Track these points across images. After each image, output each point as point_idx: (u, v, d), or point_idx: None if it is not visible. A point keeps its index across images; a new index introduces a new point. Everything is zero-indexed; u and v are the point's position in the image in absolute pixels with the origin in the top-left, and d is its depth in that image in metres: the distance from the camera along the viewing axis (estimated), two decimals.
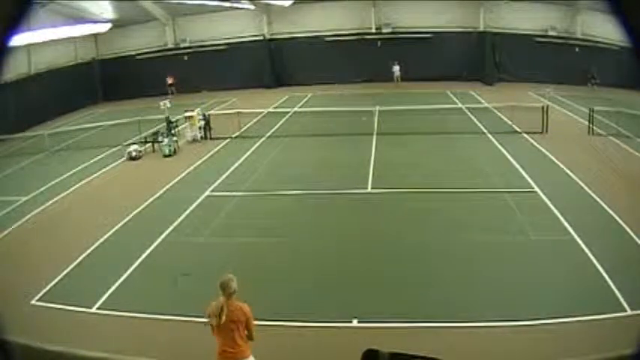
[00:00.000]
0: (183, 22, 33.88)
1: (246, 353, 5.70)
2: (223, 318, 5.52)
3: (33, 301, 9.11)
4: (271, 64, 33.74)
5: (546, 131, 18.76)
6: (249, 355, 5.74)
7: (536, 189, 13.24)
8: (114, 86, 33.36)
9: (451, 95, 27.13)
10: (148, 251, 10.90)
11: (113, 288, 9.45)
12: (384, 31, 32.54)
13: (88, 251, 11.04)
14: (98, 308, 8.81)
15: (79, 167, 17.93)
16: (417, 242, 10.73)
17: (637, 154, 15.78)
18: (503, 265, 9.61)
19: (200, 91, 32.63)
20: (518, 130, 19.25)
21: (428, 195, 13.40)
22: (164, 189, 14.93)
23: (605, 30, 24.65)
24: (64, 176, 17.00)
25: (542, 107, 19.40)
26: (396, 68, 31.28)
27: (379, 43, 32.70)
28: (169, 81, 32.67)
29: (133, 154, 18.75)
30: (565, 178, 14.16)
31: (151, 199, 14.11)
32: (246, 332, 5.67)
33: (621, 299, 8.00)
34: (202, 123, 21.01)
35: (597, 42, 26.78)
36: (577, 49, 29.15)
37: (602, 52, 25.64)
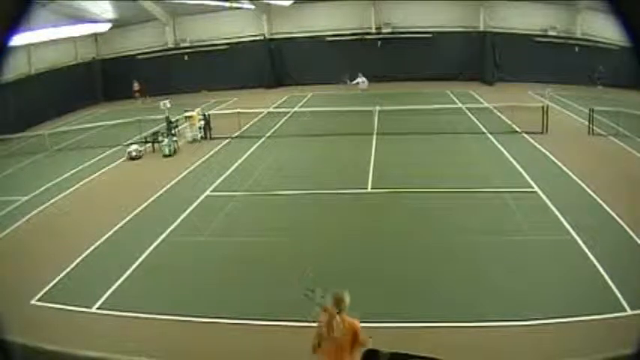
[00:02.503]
0: (183, 22, 33.89)
1: None
2: (334, 333, 5.36)
3: (33, 301, 9.11)
4: (271, 64, 33.75)
5: (546, 131, 18.76)
6: None
7: (536, 189, 13.24)
8: (114, 86, 33.36)
9: (451, 95, 27.13)
10: (148, 251, 10.90)
11: (113, 288, 9.45)
12: (384, 31, 32.55)
13: (88, 251, 11.04)
14: (98, 308, 8.81)
15: (79, 167, 17.93)
16: (417, 242, 10.73)
17: (637, 154, 15.78)
18: (503, 265, 9.60)
19: (200, 91, 32.64)
20: (518, 130, 19.25)
21: (428, 195, 13.40)
22: (164, 189, 14.93)
23: (605, 30, 24.66)
24: (64, 176, 17.00)
25: (542, 107, 19.41)
26: (362, 80, 29.71)
27: (379, 43, 32.70)
28: (135, 87, 32.44)
29: (133, 154, 18.75)
30: (565, 178, 14.16)
31: (151, 199, 14.12)
32: (359, 347, 5.36)
33: (621, 299, 8.00)
34: (202, 123, 21.02)
35: (597, 42, 26.78)
36: (577, 49, 29.15)
37: (602, 52, 25.63)
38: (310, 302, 5.61)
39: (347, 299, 5.50)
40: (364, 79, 29.73)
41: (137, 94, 32.47)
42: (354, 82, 29.73)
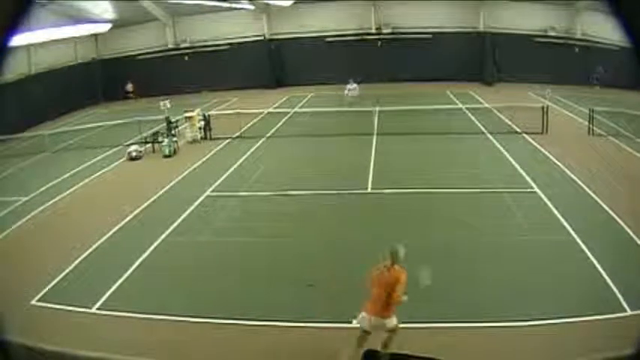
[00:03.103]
0: (183, 23, 33.89)
1: (389, 314, 6.28)
2: (384, 278, 6.22)
3: (33, 302, 9.11)
4: (271, 64, 33.76)
5: (546, 131, 18.76)
6: (392, 317, 6.31)
7: (536, 189, 13.24)
8: (114, 86, 33.36)
9: (451, 95, 27.15)
10: (148, 251, 10.90)
11: (113, 288, 9.44)
12: (384, 31, 32.56)
13: (88, 251, 11.03)
14: (98, 308, 8.81)
15: (80, 167, 17.93)
16: (417, 242, 10.68)
17: (637, 154, 15.78)
18: (502, 265, 9.59)
19: (200, 91, 32.63)
20: (518, 130, 19.25)
21: (428, 195, 13.40)
22: (164, 189, 14.93)
23: (605, 30, 24.66)
24: (65, 176, 16.99)
25: (542, 107, 19.41)
26: (353, 86, 25.58)
27: (379, 43, 32.71)
28: (129, 88, 32.41)
29: (133, 154, 18.75)
30: (565, 178, 14.16)
31: (151, 200, 14.11)
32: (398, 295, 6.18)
33: (621, 299, 8.00)
34: (202, 123, 21.02)
35: (597, 42, 26.79)
36: (577, 50, 29.17)
37: (602, 52, 25.64)
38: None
39: (401, 253, 6.32)
40: (355, 85, 25.72)
41: (131, 95, 32.51)
42: (346, 90, 25.64)
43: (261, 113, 23.92)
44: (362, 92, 25.82)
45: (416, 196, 13.43)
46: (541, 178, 14.04)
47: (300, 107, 26.21)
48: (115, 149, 19.97)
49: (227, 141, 20.38)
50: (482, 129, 19.87)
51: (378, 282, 6.30)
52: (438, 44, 31.56)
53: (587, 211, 11.80)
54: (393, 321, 6.34)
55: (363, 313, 6.38)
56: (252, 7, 31.33)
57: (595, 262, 9.28)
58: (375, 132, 19.77)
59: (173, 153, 19.02)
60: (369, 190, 14.08)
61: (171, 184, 15.42)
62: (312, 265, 10.06)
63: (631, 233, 10.32)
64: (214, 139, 20.64)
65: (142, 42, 33.81)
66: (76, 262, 10.57)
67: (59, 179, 16.70)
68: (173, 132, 19.98)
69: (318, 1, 32.18)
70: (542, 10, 30.18)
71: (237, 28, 33.51)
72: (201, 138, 20.82)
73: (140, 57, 33.83)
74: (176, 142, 19.56)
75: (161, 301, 8.95)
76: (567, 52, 29.13)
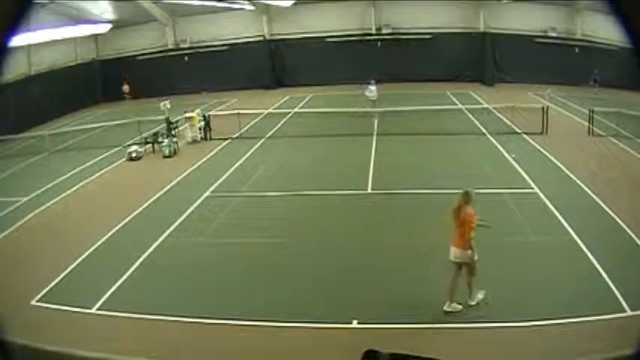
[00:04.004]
0: (183, 23, 33.89)
1: (466, 246, 7.66)
2: (460, 217, 7.68)
3: (33, 302, 9.11)
4: (271, 64, 33.77)
5: (546, 132, 18.76)
6: (467, 250, 7.65)
7: (536, 189, 13.24)
8: (114, 87, 33.36)
9: (451, 96, 27.14)
10: (148, 252, 10.90)
11: (113, 288, 9.44)
12: (384, 31, 32.56)
13: (88, 252, 11.03)
14: (98, 309, 8.81)
15: (80, 168, 17.93)
16: (417, 243, 10.71)
17: (637, 154, 15.78)
18: (502, 265, 9.58)
19: (200, 91, 32.64)
20: (518, 130, 19.25)
21: (428, 196, 13.38)
22: (164, 190, 14.92)
23: (605, 31, 24.65)
24: (65, 177, 16.99)
25: (542, 108, 19.41)
26: (373, 89, 23.95)
27: (379, 43, 32.70)
28: (126, 89, 32.50)
29: (133, 154, 18.75)
30: (565, 178, 14.16)
31: (151, 200, 14.11)
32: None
33: (621, 299, 8.00)
34: (202, 124, 21.02)
35: (597, 43, 26.78)
36: (577, 50, 29.16)
37: (602, 52, 25.63)
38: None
39: (472, 195, 7.85)
40: (374, 87, 24.11)
41: (127, 96, 32.53)
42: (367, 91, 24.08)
43: (261, 114, 23.92)
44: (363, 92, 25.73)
45: (416, 197, 13.43)
46: (541, 178, 14.03)
47: (301, 108, 26.20)
48: (115, 149, 19.97)
49: (227, 141, 20.38)
50: (483, 129, 19.87)
51: (455, 220, 7.77)
52: (438, 44, 31.55)
53: (587, 211, 11.80)
54: (468, 253, 7.67)
55: (451, 247, 7.83)
56: (252, 7, 31.32)
57: (595, 262, 9.28)
58: (375, 132, 19.77)
59: (173, 153, 19.02)
60: (369, 190, 14.07)
61: (172, 184, 15.42)
62: (312, 265, 10.06)
63: (631, 233, 10.32)
64: (214, 139, 20.64)
65: (142, 42, 33.80)
66: (76, 262, 10.57)
67: (59, 179, 16.70)
68: (173, 132, 19.98)
69: (318, 1, 32.18)
70: (543, 10, 30.18)
71: (237, 28, 33.51)
72: (202, 138, 20.83)
73: (140, 57, 33.83)
74: (176, 142, 19.55)
75: (161, 302, 8.95)
76: (567, 53, 29.11)
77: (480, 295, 8.06)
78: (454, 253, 7.82)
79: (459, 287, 7.97)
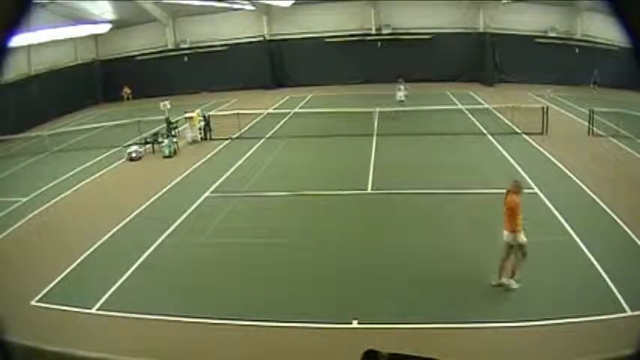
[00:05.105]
0: (183, 23, 33.91)
1: (514, 230, 8.32)
2: (506, 202, 8.44)
3: (33, 302, 9.11)
4: (271, 65, 33.78)
5: (546, 132, 18.76)
6: (517, 233, 8.34)
7: (536, 190, 13.23)
8: (114, 87, 33.38)
9: (451, 96, 27.15)
10: (148, 252, 10.90)
11: (113, 289, 9.44)
12: (383, 32, 32.57)
13: (88, 252, 11.04)
14: (98, 309, 8.81)
15: (79, 168, 17.93)
16: (417, 242, 10.72)
17: (637, 154, 15.78)
18: None
19: (200, 92, 32.64)
20: (518, 131, 19.25)
21: (428, 196, 13.39)
22: (164, 190, 14.93)
23: (606, 31, 24.66)
24: (65, 177, 17.00)
25: (542, 108, 19.41)
26: (402, 87, 23.29)
27: (379, 44, 32.71)
28: (127, 92, 32.71)
29: (133, 155, 18.75)
30: (565, 178, 14.16)
31: (151, 200, 14.11)
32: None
33: (621, 299, 8.00)
34: (202, 124, 21.03)
35: (597, 43, 26.79)
36: (577, 50, 29.16)
37: (602, 52, 25.64)
38: None
39: (520, 185, 8.67)
40: (402, 87, 23.25)
41: (127, 96, 32.62)
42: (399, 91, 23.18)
43: (261, 114, 23.92)
44: (363, 93, 25.81)
45: (416, 197, 13.43)
46: (541, 178, 14.02)
47: (300, 108, 26.21)
48: (114, 150, 19.97)
49: (227, 141, 20.38)
50: (483, 130, 19.87)
51: (504, 205, 8.46)
52: (438, 45, 31.57)
53: (587, 211, 11.80)
54: (518, 236, 8.31)
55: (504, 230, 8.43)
56: (252, 7, 31.33)
57: (595, 262, 9.28)
58: (375, 132, 19.77)
59: (173, 153, 19.02)
60: (369, 190, 14.07)
61: (172, 184, 15.42)
62: (312, 265, 10.06)
63: (631, 233, 10.33)
64: (214, 139, 20.65)
65: (142, 43, 33.83)
66: (77, 262, 10.57)
67: (59, 180, 16.71)
68: (173, 132, 19.98)
69: (318, 1, 32.19)
70: (543, 10, 30.18)
71: (237, 28, 33.54)
72: (202, 138, 20.84)
73: (140, 57, 33.84)
74: (176, 142, 19.56)
75: (161, 302, 8.95)
76: (567, 53, 29.12)
77: (514, 285, 8.52)
78: (503, 234, 8.47)
79: (508, 267, 8.56)
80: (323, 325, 7.95)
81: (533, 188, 13.39)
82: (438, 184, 14.02)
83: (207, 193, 14.42)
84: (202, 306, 8.74)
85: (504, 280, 8.59)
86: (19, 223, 13.18)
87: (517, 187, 8.51)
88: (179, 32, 34.14)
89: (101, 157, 19.30)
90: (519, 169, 14.98)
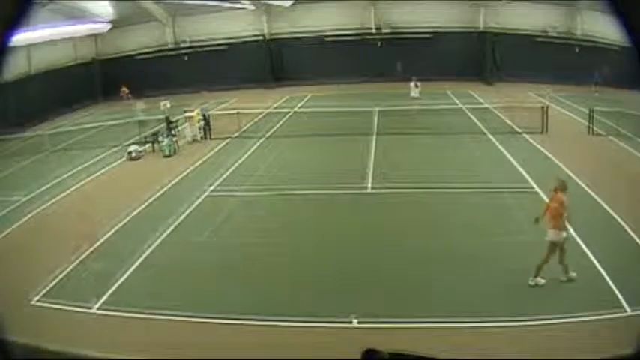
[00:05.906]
0: (183, 22, 33.89)
1: (558, 227, 8.42)
2: (551, 201, 8.78)
3: (33, 301, 9.12)
4: (271, 64, 33.76)
5: (546, 131, 18.75)
6: (560, 231, 8.42)
7: (536, 189, 13.23)
8: (114, 86, 33.34)
9: (451, 95, 27.13)
10: (148, 251, 10.90)
11: (114, 288, 9.45)
12: (383, 30, 32.56)
13: (89, 251, 11.02)
14: (99, 308, 8.81)
15: (79, 167, 17.93)
16: (417, 242, 10.72)
17: (637, 154, 15.77)
18: (503, 265, 9.58)
19: (200, 91, 32.61)
20: (518, 130, 19.24)
21: (428, 195, 13.39)
22: (164, 189, 14.92)
23: (606, 30, 24.64)
24: (64, 176, 16.99)
25: (542, 107, 19.40)
26: (417, 84, 22.79)
27: (379, 43, 32.69)
28: (126, 90, 32.57)
29: (133, 154, 18.74)
30: (565, 178, 14.11)
31: (151, 200, 14.11)
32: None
33: (621, 299, 8.00)
34: (202, 123, 21.02)
35: (597, 42, 26.76)
36: (577, 49, 29.14)
37: (602, 52, 25.61)
38: None
39: (564, 183, 8.89)
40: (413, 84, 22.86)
41: (127, 96, 32.59)
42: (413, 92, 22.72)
43: (260, 113, 23.91)
44: (363, 92, 25.76)
45: (416, 196, 13.42)
46: (541, 177, 14.01)
47: (300, 107, 26.20)
48: (114, 149, 19.96)
49: (227, 141, 20.37)
50: (483, 129, 19.87)
51: (550, 204, 8.76)
52: (438, 44, 31.54)
53: (587, 211, 11.77)
54: (561, 234, 8.41)
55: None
56: (252, 6, 31.31)
57: (595, 262, 9.28)
58: (375, 132, 19.76)
59: (173, 153, 19.02)
60: (369, 189, 14.07)
61: (172, 183, 15.42)
62: (312, 264, 10.07)
63: (631, 233, 10.32)
64: (214, 138, 20.64)
65: (142, 42, 33.80)
66: (76, 261, 10.56)
67: (59, 179, 16.70)
68: (173, 132, 19.98)
69: (318, 0, 32.16)
70: (543, 9, 30.17)
71: (237, 27, 33.51)
72: (201, 138, 20.83)
73: (140, 57, 33.81)
74: (176, 141, 19.55)
75: (161, 301, 8.95)
76: (567, 52, 29.09)
77: (573, 274, 8.67)
78: (549, 233, 8.52)
79: (548, 265, 8.58)
80: (323, 324, 7.96)
81: (533, 187, 13.39)
82: (438, 183, 14.02)
83: (207, 193, 14.42)
84: (202, 305, 8.74)
85: (533, 280, 8.69)
86: (20, 222, 13.17)
87: (563, 186, 8.76)
88: (179, 31, 34.11)
89: (101, 156, 19.29)
90: (519, 168, 14.98)
